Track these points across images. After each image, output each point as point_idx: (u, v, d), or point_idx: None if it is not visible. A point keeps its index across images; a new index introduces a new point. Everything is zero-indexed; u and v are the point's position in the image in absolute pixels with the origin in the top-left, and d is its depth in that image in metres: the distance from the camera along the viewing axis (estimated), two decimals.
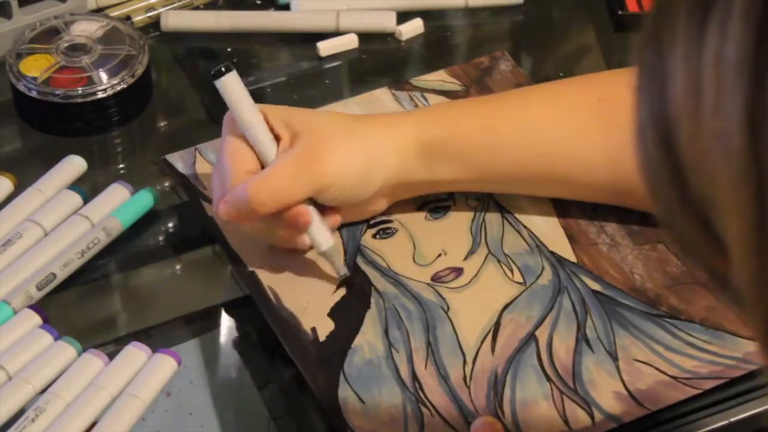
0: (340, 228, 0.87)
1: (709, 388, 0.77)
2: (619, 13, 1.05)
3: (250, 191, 0.79)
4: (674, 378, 0.78)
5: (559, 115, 0.85)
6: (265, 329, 0.83)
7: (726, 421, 0.77)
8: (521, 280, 0.84)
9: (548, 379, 0.78)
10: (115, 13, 1.03)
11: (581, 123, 0.84)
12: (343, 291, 0.84)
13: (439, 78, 0.99)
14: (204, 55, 1.03)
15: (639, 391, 0.77)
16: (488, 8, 1.07)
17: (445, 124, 0.84)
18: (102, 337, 0.82)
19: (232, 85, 0.82)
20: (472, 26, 1.06)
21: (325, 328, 0.81)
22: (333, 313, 0.82)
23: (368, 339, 0.81)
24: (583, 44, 1.06)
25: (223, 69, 0.82)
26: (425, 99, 0.97)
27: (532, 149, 0.84)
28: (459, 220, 0.88)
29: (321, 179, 0.81)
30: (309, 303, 0.83)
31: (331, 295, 0.83)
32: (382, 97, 0.98)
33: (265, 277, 0.84)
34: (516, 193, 0.88)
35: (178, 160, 0.93)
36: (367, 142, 0.83)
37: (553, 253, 0.86)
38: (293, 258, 0.85)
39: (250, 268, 0.85)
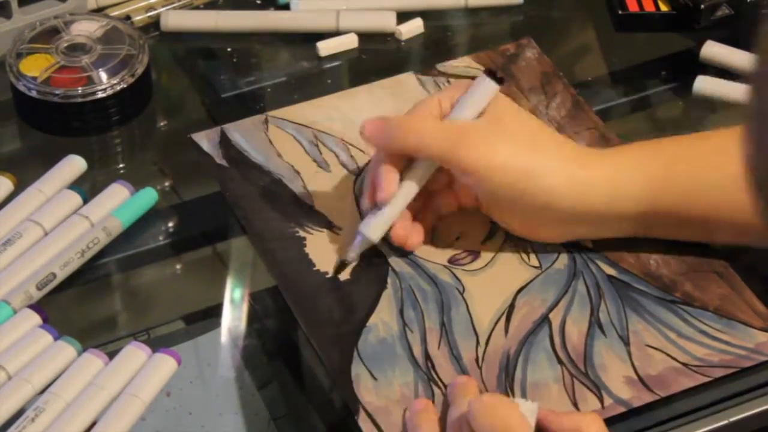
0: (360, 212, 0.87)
1: (719, 376, 0.78)
2: (619, 13, 1.05)
3: (393, 120, 0.82)
4: (685, 365, 0.78)
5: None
6: (265, 329, 0.83)
7: (726, 421, 0.77)
8: (537, 264, 0.85)
9: (560, 361, 0.79)
10: (115, 12, 1.03)
11: None
12: (358, 270, 0.84)
13: (465, 64, 1.00)
14: (204, 55, 1.03)
15: (649, 377, 0.78)
16: (488, 8, 1.07)
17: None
18: (102, 337, 0.82)
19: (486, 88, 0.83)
20: (472, 26, 1.06)
21: (341, 306, 0.82)
22: (348, 291, 0.83)
23: (383, 318, 0.81)
24: (583, 44, 1.06)
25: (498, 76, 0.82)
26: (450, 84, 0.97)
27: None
28: None
29: (457, 154, 0.80)
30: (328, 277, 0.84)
31: (345, 274, 0.84)
32: (407, 81, 0.98)
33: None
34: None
35: (203, 139, 0.93)
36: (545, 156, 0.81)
37: None
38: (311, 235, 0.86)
39: (270, 245, 0.86)
